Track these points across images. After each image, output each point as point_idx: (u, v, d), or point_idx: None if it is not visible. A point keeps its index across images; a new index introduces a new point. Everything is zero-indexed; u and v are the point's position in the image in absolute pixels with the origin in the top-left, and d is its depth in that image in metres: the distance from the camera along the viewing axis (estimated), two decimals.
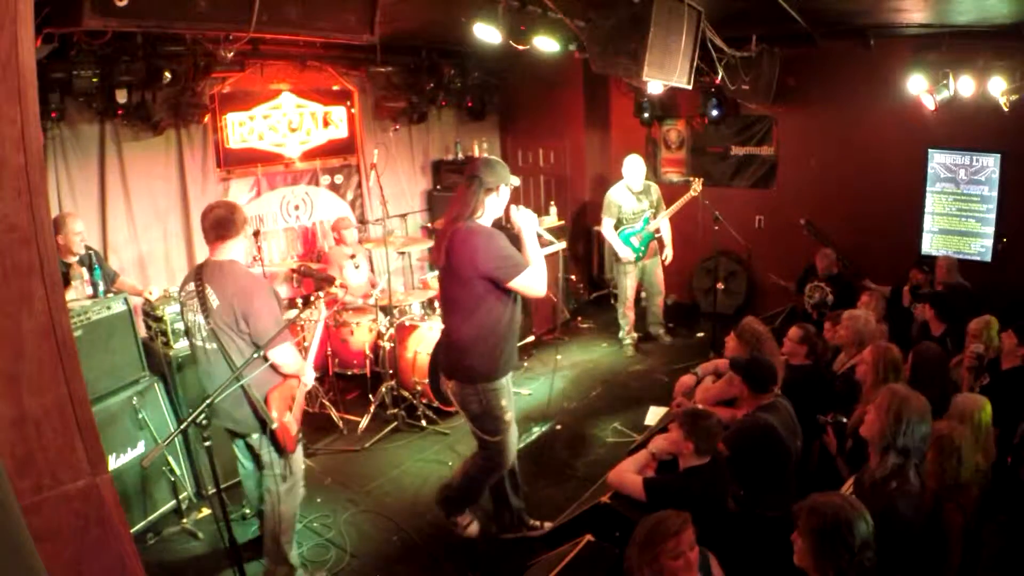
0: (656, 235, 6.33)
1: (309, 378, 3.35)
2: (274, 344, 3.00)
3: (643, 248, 6.27)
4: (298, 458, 3.38)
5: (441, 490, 3.76)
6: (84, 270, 4.23)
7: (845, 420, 3.24)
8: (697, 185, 6.11)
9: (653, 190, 6.33)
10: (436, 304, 5.55)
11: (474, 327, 3.15)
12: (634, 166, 6.14)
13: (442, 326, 3.48)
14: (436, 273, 3.42)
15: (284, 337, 3.06)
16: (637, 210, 6.20)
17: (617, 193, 6.23)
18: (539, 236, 3.24)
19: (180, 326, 3.95)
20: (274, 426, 3.13)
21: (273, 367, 3.08)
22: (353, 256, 5.85)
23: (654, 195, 6.32)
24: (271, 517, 3.32)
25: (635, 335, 6.64)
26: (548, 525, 3.69)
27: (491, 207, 3.17)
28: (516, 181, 3.33)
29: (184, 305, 3.22)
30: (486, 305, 3.12)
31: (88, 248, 4.30)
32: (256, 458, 3.35)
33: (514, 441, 3.44)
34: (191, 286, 3.14)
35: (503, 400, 3.27)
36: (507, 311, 3.19)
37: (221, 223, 3.08)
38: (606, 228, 6.27)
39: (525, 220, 3.21)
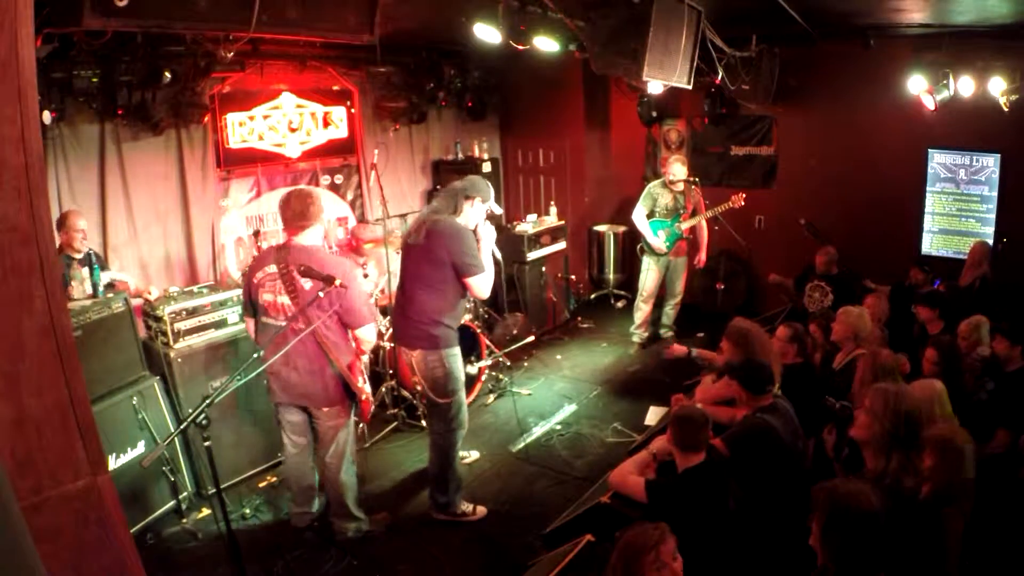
0: (687, 236, 6.38)
1: (366, 357, 3.78)
2: (366, 322, 3.38)
3: (669, 243, 6.33)
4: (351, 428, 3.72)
5: (430, 495, 3.97)
6: (84, 270, 4.23)
7: (851, 406, 3.22)
8: (739, 198, 6.15)
9: (694, 193, 6.35)
10: None
11: (438, 302, 3.67)
12: (676, 165, 6.24)
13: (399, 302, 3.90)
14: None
15: (373, 316, 3.39)
16: (671, 207, 6.28)
17: (656, 187, 6.34)
18: (492, 253, 3.86)
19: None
20: (364, 397, 3.51)
21: (356, 342, 3.46)
22: (365, 264, 5.84)
23: (694, 198, 6.35)
24: (335, 486, 3.66)
25: (645, 334, 6.67)
26: (481, 510, 4.01)
27: (467, 212, 3.76)
28: (498, 208, 3.96)
29: (261, 287, 3.41)
30: (451, 287, 3.67)
31: (89, 249, 4.30)
32: (313, 432, 3.67)
33: (465, 399, 3.95)
34: (272, 268, 3.35)
35: (459, 363, 3.82)
36: (461, 296, 3.77)
37: (304, 212, 3.33)
38: (637, 215, 6.33)
39: (487, 234, 3.80)
